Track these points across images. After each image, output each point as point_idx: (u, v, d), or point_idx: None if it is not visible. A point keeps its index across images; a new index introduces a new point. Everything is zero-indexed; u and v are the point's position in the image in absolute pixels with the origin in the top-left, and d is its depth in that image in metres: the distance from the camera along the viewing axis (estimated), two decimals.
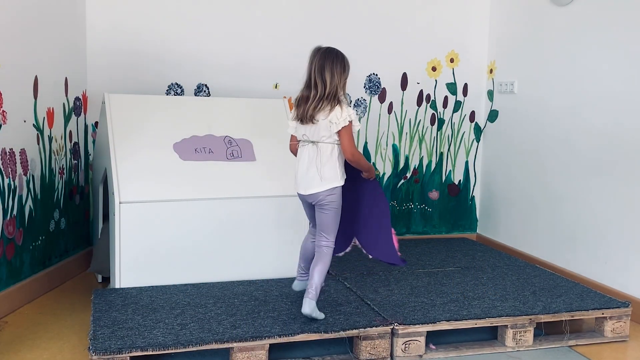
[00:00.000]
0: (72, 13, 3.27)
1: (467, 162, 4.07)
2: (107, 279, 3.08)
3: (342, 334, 2.29)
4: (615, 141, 2.99)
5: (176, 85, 3.55)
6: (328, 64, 2.35)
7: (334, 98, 2.35)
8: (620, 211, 2.96)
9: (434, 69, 3.94)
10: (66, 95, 3.20)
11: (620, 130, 2.96)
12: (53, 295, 2.98)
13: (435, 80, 3.95)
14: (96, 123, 3.46)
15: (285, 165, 3.01)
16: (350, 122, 2.35)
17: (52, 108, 3.05)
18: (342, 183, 2.41)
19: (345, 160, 2.43)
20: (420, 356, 2.37)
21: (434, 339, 2.46)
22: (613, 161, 3.00)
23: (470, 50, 3.98)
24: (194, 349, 2.13)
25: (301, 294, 2.52)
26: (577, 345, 2.55)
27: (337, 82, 2.35)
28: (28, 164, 2.83)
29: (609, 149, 3.03)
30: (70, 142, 3.28)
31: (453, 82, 3.98)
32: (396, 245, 2.59)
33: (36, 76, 2.87)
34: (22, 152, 2.77)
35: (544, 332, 2.59)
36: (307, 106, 2.36)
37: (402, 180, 3.98)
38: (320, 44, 2.42)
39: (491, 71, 3.96)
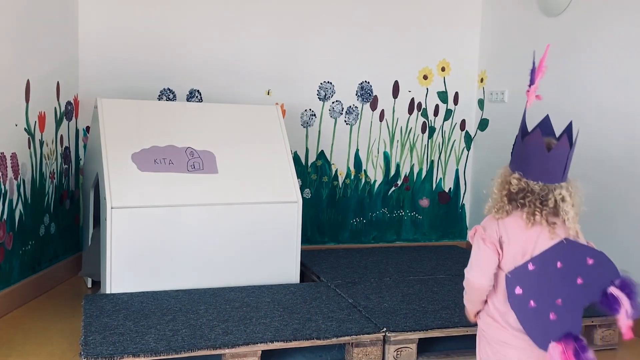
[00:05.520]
0: (65, 17, 3.26)
1: (457, 170, 4.09)
2: (97, 284, 3.06)
3: (335, 340, 2.29)
4: (607, 147, 3.02)
5: (168, 91, 3.55)
6: None
7: None
8: (615, 214, 2.98)
9: (425, 77, 3.96)
10: (58, 100, 3.19)
11: (612, 137, 2.99)
12: (43, 300, 2.95)
13: (427, 89, 3.97)
14: (87, 128, 3.44)
15: (277, 171, 3.02)
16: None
17: (44, 112, 3.03)
18: None
19: None
20: None
21: (425, 345, 2.46)
22: (606, 168, 3.03)
23: (461, 59, 4.00)
24: (186, 355, 2.12)
25: (291, 300, 2.48)
26: None
27: None
28: (19, 168, 2.81)
29: (601, 157, 3.05)
30: (62, 146, 3.26)
31: (444, 90, 4.00)
32: None
33: (28, 80, 2.86)
34: (13, 155, 2.76)
35: None
36: None
37: (393, 188, 3.99)
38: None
39: (482, 80, 3.99)
